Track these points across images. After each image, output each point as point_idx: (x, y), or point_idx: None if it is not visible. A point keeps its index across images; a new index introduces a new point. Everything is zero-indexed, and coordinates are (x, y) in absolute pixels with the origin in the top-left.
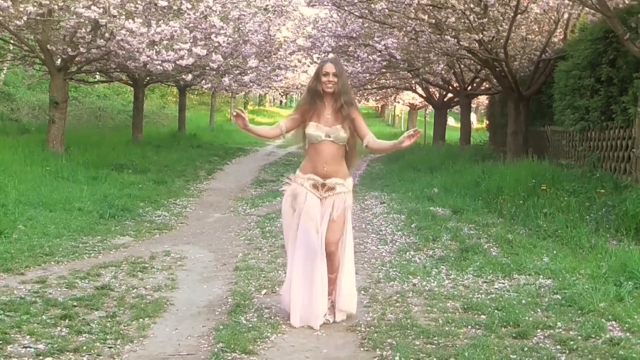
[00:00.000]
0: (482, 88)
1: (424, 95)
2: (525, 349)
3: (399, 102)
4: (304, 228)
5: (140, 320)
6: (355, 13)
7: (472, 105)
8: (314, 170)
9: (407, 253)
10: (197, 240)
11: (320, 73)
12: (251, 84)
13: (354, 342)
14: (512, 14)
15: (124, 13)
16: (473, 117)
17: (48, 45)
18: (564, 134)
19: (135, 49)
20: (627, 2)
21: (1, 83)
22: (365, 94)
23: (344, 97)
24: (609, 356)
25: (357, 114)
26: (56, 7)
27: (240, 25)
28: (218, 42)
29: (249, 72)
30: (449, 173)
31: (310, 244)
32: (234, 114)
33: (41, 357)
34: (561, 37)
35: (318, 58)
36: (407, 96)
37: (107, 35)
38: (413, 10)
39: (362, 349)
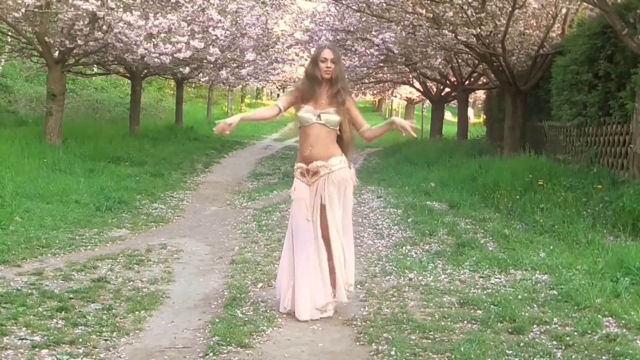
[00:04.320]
0: (480, 83)
1: (422, 89)
2: (521, 344)
3: (396, 97)
4: (296, 218)
5: (137, 312)
6: (353, 7)
7: (469, 99)
8: (301, 157)
9: (404, 247)
10: (194, 233)
11: (318, 59)
12: (248, 77)
13: (350, 336)
14: (510, 9)
15: (121, 5)
16: (470, 111)
17: (46, 38)
18: (562, 129)
19: (133, 42)
20: None
21: None
22: (362, 88)
23: (341, 83)
24: (605, 352)
25: (352, 103)
26: None
27: (237, 19)
28: (215, 35)
29: (246, 65)
30: (445, 167)
31: (302, 234)
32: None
33: (37, 349)
34: (559, 32)
35: None
36: (405, 90)
37: (104, 27)
38: (411, 5)
39: (358, 343)
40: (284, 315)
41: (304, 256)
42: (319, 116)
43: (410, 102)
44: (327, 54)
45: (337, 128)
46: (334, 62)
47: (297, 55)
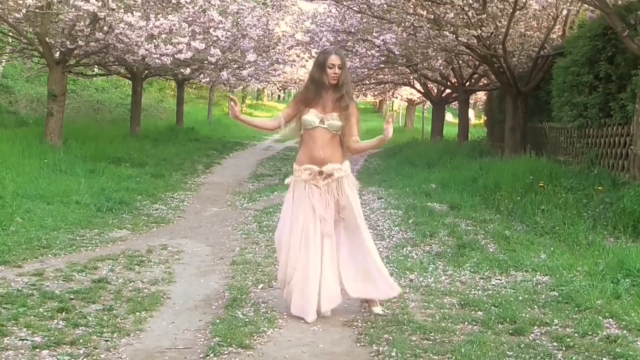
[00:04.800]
0: (481, 84)
1: (422, 90)
2: (522, 345)
3: (397, 98)
4: (304, 220)
5: (137, 313)
6: (354, 8)
7: (470, 101)
8: (310, 158)
9: (404, 249)
10: (195, 234)
11: (325, 65)
12: (249, 78)
13: (350, 337)
14: (511, 10)
15: (122, 6)
16: (471, 113)
17: (47, 38)
18: (562, 130)
19: (134, 43)
20: None
21: (0, 75)
22: (363, 89)
23: (346, 88)
24: (606, 353)
25: (354, 110)
26: (55, 0)
27: (238, 20)
28: (217, 36)
29: (247, 66)
30: (446, 169)
31: (313, 236)
32: (231, 98)
33: (38, 350)
34: (560, 34)
35: (316, 53)
36: (405, 91)
37: (105, 28)
38: (412, 6)
39: (358, 345)
40: (285, 316)
41: (306, 258)
42: (322, 120)
43: (411, 103)
44: (335, 59)
45: (340, 132)
46: (340, 68)
47: (298, 56)
